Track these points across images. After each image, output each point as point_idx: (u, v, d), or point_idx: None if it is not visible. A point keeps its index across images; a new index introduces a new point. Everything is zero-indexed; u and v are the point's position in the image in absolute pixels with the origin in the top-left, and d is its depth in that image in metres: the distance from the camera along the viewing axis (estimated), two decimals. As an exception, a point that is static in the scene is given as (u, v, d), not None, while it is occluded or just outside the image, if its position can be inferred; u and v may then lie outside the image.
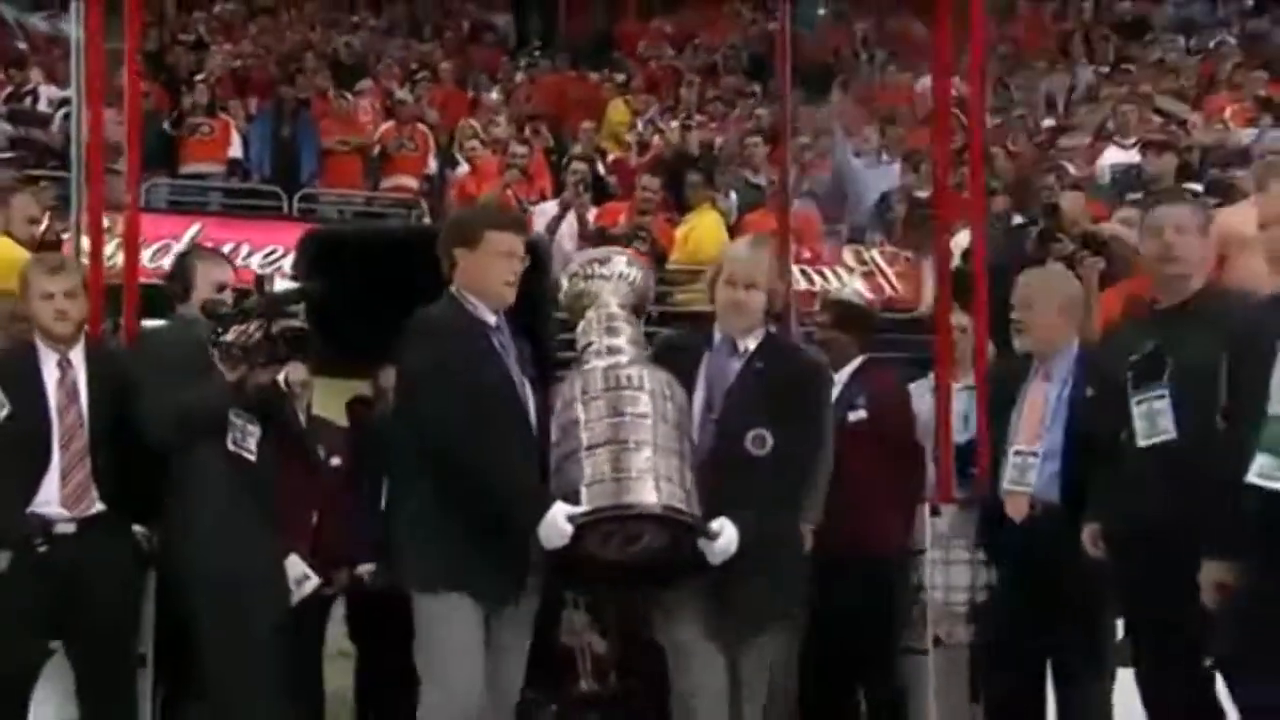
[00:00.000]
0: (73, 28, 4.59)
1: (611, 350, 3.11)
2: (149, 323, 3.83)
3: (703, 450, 3.03)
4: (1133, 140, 7.73)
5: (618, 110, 10.77)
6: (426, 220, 8.88)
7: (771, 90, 12.41)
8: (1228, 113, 8.58)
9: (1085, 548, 3.28)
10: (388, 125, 9.62)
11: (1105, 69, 10.79)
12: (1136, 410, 3.07)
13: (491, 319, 3.07)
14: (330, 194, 9.49)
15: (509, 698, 3.06)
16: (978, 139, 4.70)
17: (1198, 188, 6.27)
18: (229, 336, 3.26)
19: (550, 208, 7.57)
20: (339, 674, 4.74)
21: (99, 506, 3.37)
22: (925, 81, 12.22)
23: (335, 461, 4.61)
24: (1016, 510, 3.46)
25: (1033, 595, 3.42)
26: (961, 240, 4.90)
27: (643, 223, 7.12)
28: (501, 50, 14.56)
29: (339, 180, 9.50)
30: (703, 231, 6.86)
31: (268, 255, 8.76)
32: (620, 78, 12.60)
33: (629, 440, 2.87)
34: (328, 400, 5.07)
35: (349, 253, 5.76)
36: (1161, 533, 2.88)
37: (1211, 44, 11.11)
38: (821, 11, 17.80)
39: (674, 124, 9.30)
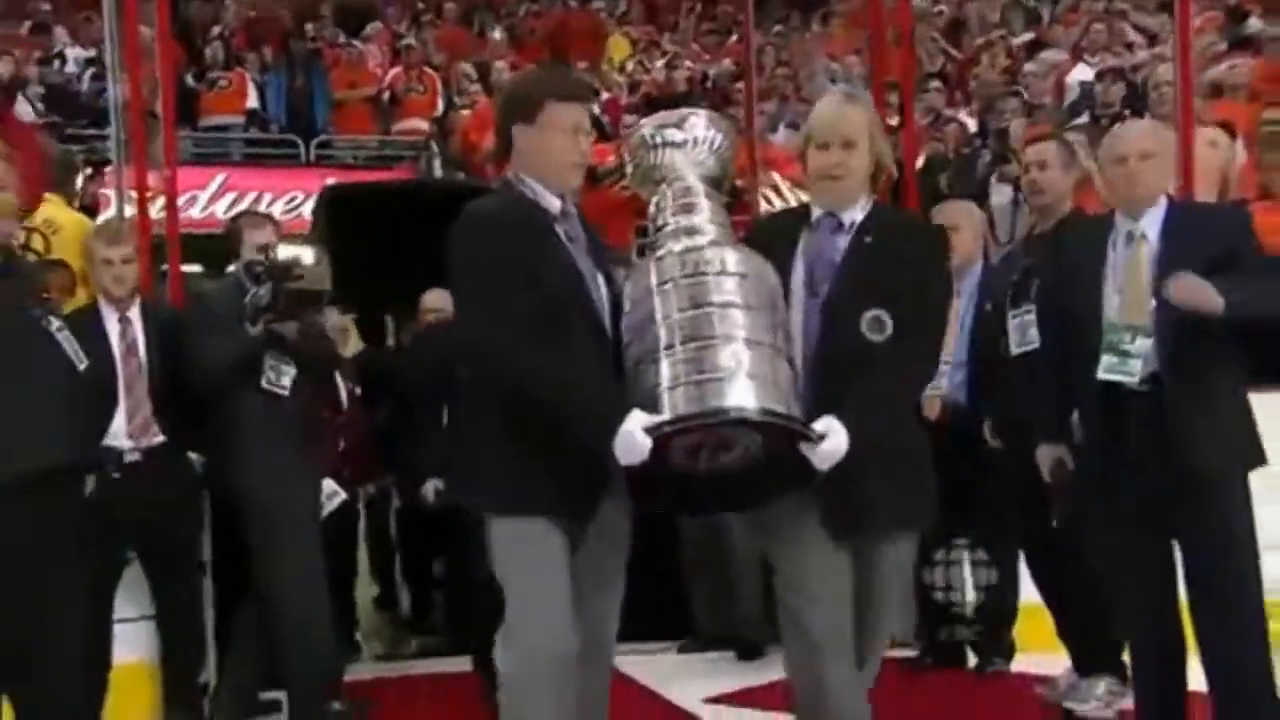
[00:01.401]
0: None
1: (689, 231, 2.65)
2: (189, 269, 4.38)
3: (808, 340, 2.60)
4: (1097, 59, 8.12)
5: (619, 46, 11.14)
6: (437, 162, 9.44)
7: (771, 14, 12.77)
8: (1197, 23, 8.86)
9: (987, 439, 3.88)
10: (396, 71, 10.11)
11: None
12: (1011, 323, 3.66)
13: (556, 204, 2.68)
14: (344, 140, 10.02)
15: (604, 636, 2.70)
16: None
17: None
18: (247, 297, 3.90)
19: None
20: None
21: (159, 439, 4.03)
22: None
23: (357, 390, 5.28)
24: (931, 410, 3.96)
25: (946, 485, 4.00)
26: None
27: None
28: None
29: (352, 126, 10.02)
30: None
31: (290, 201, 9.36)
32: (622, 7, 12.96)
33: (714, 335, 2.44)
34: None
35: (362, 205, 6.45)
36: (1028, 425, 3.44)
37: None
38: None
39: (659, 63, 9.61)
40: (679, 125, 2.83)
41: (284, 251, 4.17)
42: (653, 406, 2.43)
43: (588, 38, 11.44)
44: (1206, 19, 8.80)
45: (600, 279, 2.67)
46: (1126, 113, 6.51)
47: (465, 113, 9.18)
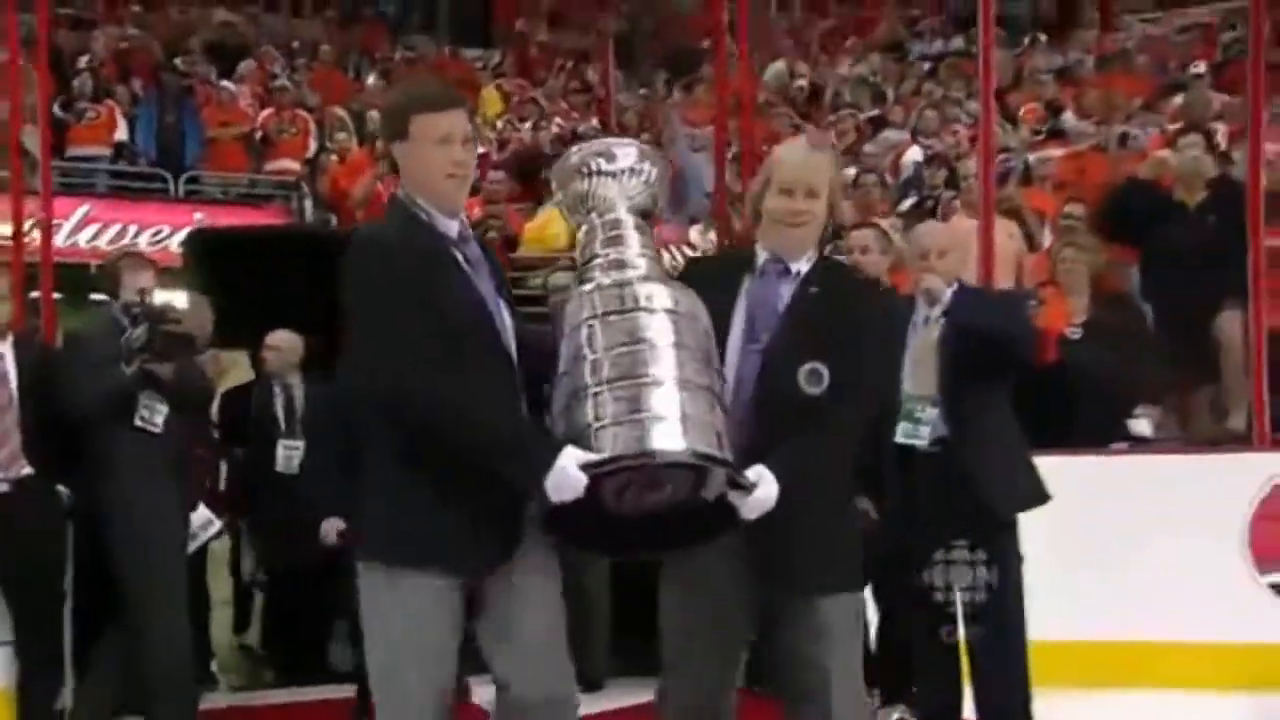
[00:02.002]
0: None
1: (618, 264, 2.55)
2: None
3: (742, 386, 2.54)
4: (930, 142, 8.86)
5: (492, 100, 11.52)
6: (309, 202, 9.61)
7: (640, 77, 13.35)
8: (1022, 112, 9.72)
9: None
10: (268, 112, 10.26)
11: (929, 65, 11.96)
12: None
13: (452, 228, 2.52)
14: (214, 177, 10.10)
15: (536, 650, 2.49)
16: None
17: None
18: (123, 338, 4.12)
19: None
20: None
21: (27, 470, 4.19)
22: (773, 68, 13.29)
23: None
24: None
25: None
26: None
27: (494, 210, 7.98)
28: (384, 26, 15.15)
29: (223, 163, 10.11)
30: (553, 223, 7.70)
31: (156, 235, 9.43)
32: (496, 59, 13.36)
33: (647, 374, 2.34)
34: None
35: (230, 249, 6.66)
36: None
37: (1026, 40, 12.27)
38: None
39: (525, 125, 10.02)
40: (611, 155, 2.71)
41: (160, 296, 4.38)
42: (585, 444, 2.32)
43: (462, 88, 11.78)
44: (1028, 110, 9.69)
45: (503, 305, 2.54)
46: (945, 196, 7.18)
47: (334, 158, 9.38)
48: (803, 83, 11.69)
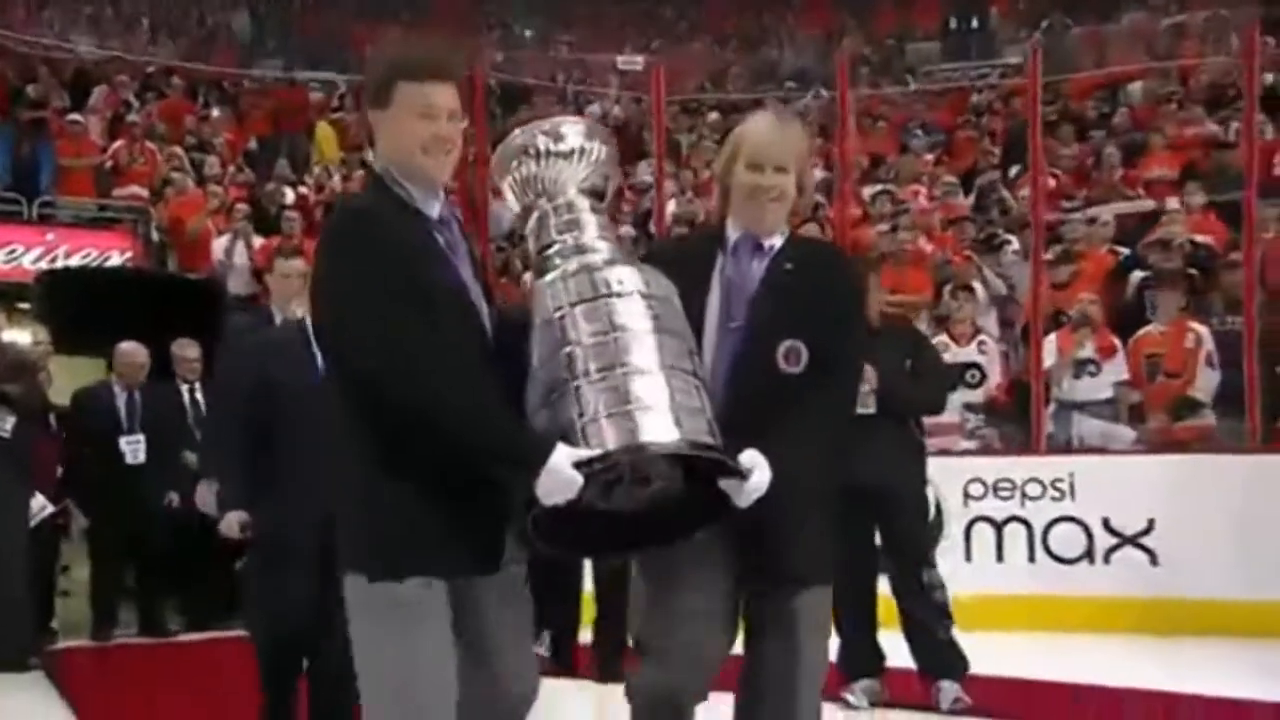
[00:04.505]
0: None
1: (580, 249, 2.41)
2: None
3: (721, 369, 2.44)
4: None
5: (326, 136, 12.73)
6: (154, 227, 10.81)
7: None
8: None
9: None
10: (119, 144, 11.37)
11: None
12: None
13: (433, 208, 2.34)
14: (67, 201, 11.18)
15: (529, 695, 2.40)
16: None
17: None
18: None
19: (225, 240, 9.56)
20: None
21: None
22: (592, 109, 14.82)
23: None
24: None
25: None
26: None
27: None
28: (235, 52, 16.18)
29: (74, 189, 11.17)
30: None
31: (10, 253, 10.53)
32: (341, 87, 14.53)
33: (630, 361, 2.23)
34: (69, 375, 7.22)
35: (76, 287, 8.04)
36: None
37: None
38: (529, 33, 19.98)
39: (335, 180, 11.11)
40: (559, 135, 2.52)
41: (8, 334, 5.79)
42: (573, 441, 2.19)
43: (294, 116, 13.01)
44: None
45: (481, 294, 2.38)
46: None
47: (172, 190, 10.54)
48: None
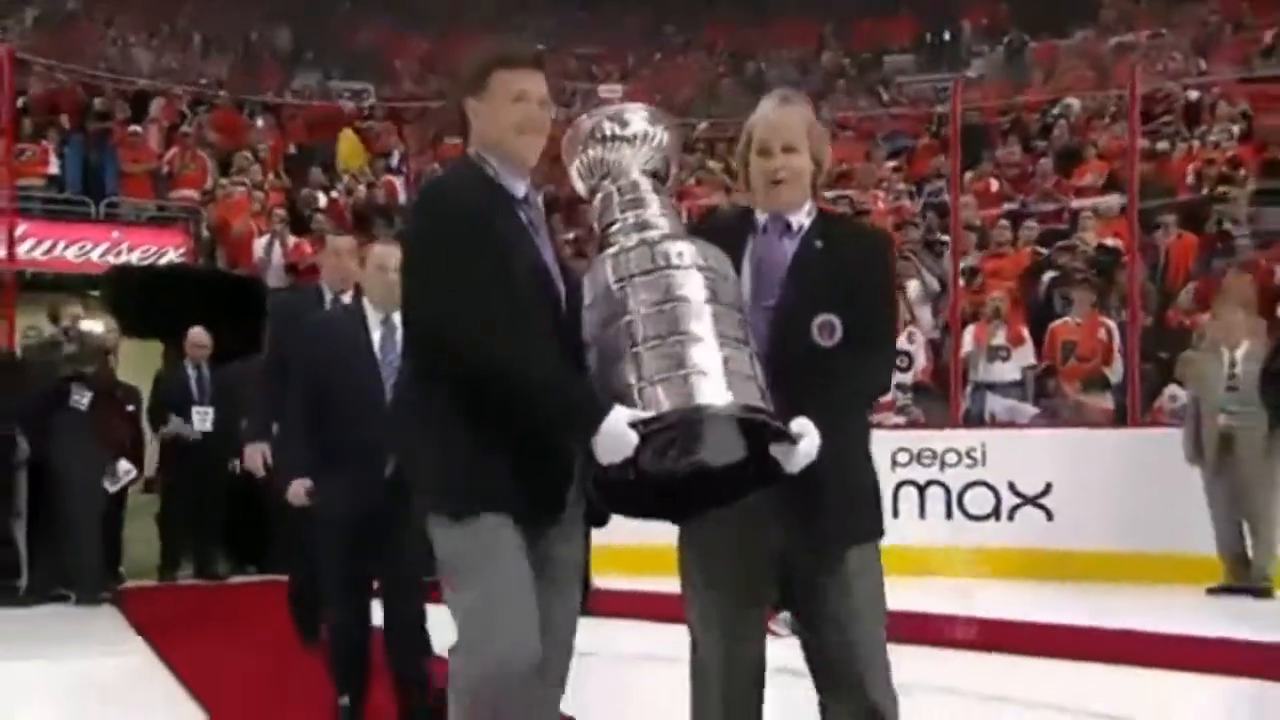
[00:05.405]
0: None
1: (640, 225, 2.52)
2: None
3: (757, 346, 2.44)
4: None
5: (349, 144, 13.79)
6: (204, 226, 12.11)
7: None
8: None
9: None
10: (173, 151, 12.68)
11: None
12: None
13: (520, 189, 2.51)
14: (129, 203, 12.52)
15: (565, 642, 2.52)
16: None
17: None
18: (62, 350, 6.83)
19: (265, 240, 10.81)
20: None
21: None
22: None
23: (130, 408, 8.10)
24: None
25: None
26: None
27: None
28: (277, 65, 17.37)
29: (135, 192, 12.51)
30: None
31: (81, 248, 11.90)
32: (370, 98, 15.70)
33: (688, 329, 2.31)
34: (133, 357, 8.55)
35: (139, 281, 9.36)
36: None
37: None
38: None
39: (361, 188, 12.31)
40: (624, 121, 2.64)
41: (85, 323, 7.05)
42: (629, 404, 2.28)
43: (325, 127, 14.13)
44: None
45: (558, 273, 2.52)
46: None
47: (222, 194, 11.80)
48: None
